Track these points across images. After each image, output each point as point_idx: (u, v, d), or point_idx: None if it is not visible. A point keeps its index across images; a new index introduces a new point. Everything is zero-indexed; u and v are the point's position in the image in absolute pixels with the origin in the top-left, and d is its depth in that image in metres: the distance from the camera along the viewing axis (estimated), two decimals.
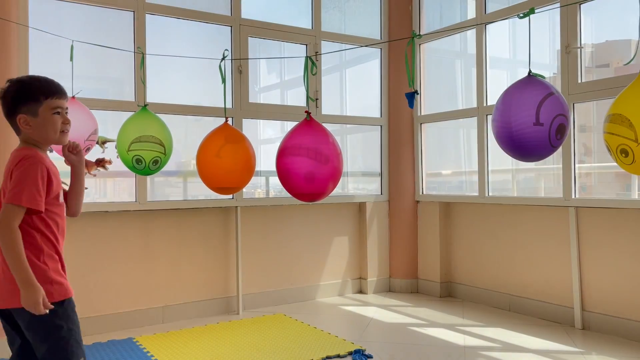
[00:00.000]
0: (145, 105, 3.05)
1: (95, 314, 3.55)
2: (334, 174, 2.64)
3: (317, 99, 4.39)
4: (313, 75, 3.02)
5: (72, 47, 3.00)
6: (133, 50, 3.59)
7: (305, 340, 3.31)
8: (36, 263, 1.64)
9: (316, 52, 4.32)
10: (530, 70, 2.34)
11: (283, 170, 2.69)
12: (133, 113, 3.11)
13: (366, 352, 3.07)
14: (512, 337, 3.37)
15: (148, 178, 3.72)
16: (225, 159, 2.81)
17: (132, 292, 3.70)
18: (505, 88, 2.41)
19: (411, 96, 2.53)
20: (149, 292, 3.76)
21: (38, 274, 1.62)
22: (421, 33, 4.65)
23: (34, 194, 1.62)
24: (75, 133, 2.83)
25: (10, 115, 1.71)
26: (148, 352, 3.13)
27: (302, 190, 2.67)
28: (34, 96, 1.69)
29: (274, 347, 3.18)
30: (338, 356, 3.04)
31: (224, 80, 3.01)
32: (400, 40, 4.48)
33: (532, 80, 2.30)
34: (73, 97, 2.95)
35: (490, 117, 4.03)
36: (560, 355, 3.04)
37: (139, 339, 3.38)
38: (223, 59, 3.00)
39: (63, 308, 1.67)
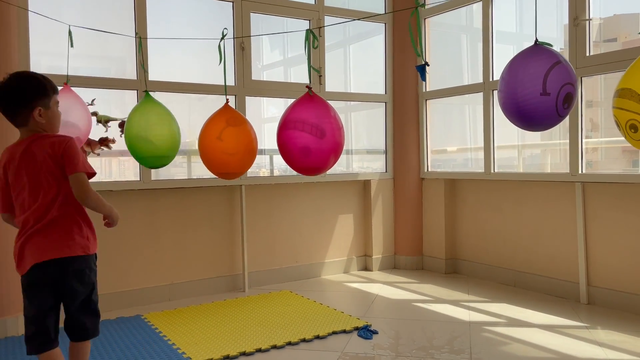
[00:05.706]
0: (147, 91, 2.99)
1: (103, 292, 3.56)
2: (334, 148, 2.61)
3: (320, 76, 4.34)
4: (315, 48, 2.97)
5: (69, 32, 2.93)
6: (134, 34, 3.51)
7: (311, 316, 3.33)
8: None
9: (319, 27, 4.26)
10: (536, 39, 2.28)
11: (281, 144, 2.69)
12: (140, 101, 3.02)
13: (372, 328, 3.09)
14: (517, 313, 3.37)
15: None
16: (227, 142, 2.78)
17: (140, 270, 3.72)
18: None
19: (422, 69, 2.47)
20: (156, 270, 3.78)
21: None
22: (426, 5, 4.58)
23: (86, 163, 1.98)
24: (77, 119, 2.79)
25: (25, 107, 1.92)
26: (156, 328, 3.16)
27: (299, 164, 2.67)
28: (45, 91, 1.95)
29: (280, 323, 3.20)
30: (344, 331, 3.06)
31: (222, 60, 2.97)
32: (405, 16, 4.41)
33: (538, 49, 2.24)
34: (66, 83, 2.87)
35: (496, 93, 3.99)
36: (565, 329, 3.04)
37: (147, 316, 3.41)
38: (222, 38, 2.95)
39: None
